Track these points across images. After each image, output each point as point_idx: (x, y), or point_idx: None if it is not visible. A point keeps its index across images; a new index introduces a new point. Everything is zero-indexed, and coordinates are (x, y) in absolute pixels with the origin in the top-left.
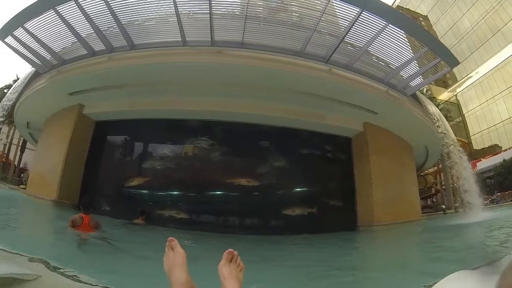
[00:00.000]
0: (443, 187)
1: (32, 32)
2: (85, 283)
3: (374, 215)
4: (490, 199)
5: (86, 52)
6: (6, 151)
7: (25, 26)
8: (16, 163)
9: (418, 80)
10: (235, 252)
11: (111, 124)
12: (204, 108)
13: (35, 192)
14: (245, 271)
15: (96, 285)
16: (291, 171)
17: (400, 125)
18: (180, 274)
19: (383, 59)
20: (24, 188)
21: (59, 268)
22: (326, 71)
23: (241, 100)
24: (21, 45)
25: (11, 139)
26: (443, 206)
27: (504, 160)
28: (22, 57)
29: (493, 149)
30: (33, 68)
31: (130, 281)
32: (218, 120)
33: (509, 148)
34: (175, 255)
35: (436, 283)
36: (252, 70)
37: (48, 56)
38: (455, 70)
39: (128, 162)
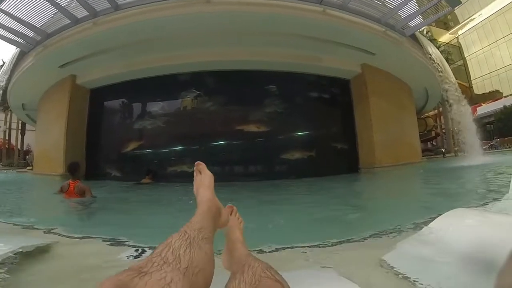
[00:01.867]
0: (443, 130)
1: (9, 11)
2: (100, 237)
3: (375, 157)
4: (489, 145)
5: (69, 21)
6: (7, 137)
7: (0, 7)
8: (19, 147)
9: (418, 20)
10: (234, 207)
11: (106, 90)
12: (198, 59)
13: (43, 171)
14: (245, 215)
15: (114, 241)
16: (291, 116)
17: (399, 66)
18: (205, 193)
19: None
20: (32, 169)
21: (71, 235)
22: (320, 12)
23: (235, 48)
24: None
25: (10, 124)
26: (443, 150)
27: (505, 107)
28: (4, 40)
29: (494, 95)
30: (18, 48)
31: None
32: (213, 70)
33: (510, 95)
34: (203, 177)
35: (435, 218)
36: (243, 16)
37: (30, 33)
38: (457, 11)
39: (128, 125)
